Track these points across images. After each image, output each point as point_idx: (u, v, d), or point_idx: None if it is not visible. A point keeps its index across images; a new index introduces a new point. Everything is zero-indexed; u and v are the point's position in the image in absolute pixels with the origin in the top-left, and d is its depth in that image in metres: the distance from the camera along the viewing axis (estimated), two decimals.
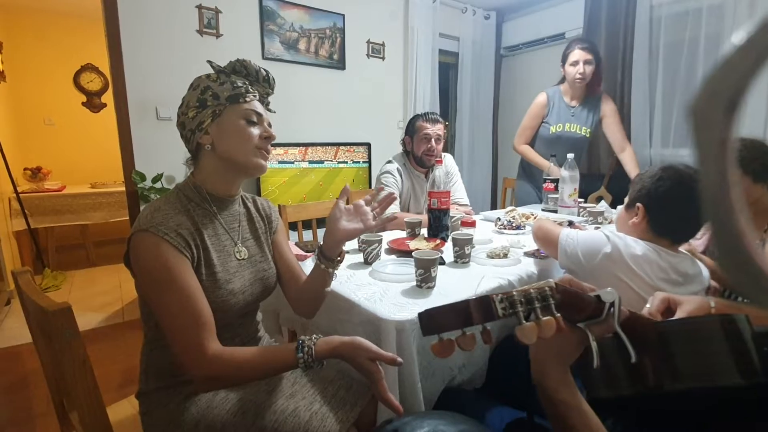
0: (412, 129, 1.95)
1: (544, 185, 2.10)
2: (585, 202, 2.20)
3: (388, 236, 1.58)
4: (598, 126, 2.34)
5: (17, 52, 3.74)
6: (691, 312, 0.68)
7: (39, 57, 3.90)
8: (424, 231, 1.59)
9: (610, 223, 1.79)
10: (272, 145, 0.93)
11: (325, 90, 3.03)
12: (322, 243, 0.94)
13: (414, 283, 1.09)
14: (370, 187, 3.06)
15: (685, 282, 1.02)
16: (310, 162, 2.86)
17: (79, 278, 3.30)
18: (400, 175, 1.95)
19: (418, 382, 0.90)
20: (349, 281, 1.13)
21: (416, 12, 3.31)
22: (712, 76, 0.19)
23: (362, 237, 1.29)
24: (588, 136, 2.31)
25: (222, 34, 2.56)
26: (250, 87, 0.87)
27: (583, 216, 1.89)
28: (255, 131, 0.86)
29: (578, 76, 2.17)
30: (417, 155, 1.94)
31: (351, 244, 1.44)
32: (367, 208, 0.95)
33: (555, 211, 2.00)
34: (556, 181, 2.04)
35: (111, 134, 2.60)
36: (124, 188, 2.45)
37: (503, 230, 1.68)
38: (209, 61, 0.90)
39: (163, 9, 2.35)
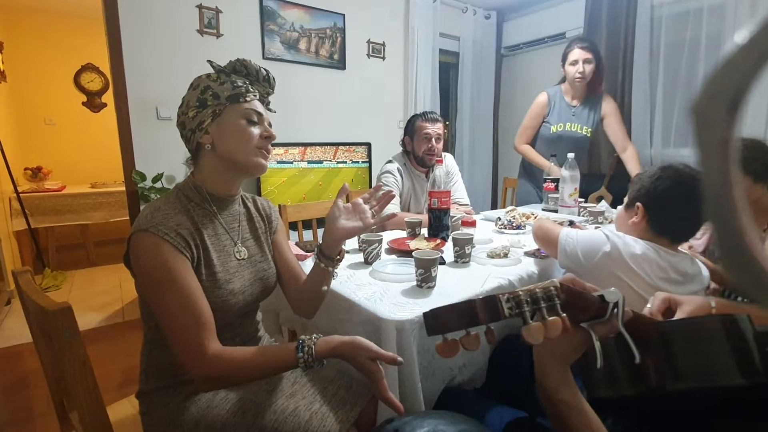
0: (411, 129, 1.95)
1: (545, 185, 2.10)
2: (585, 201, 2.20)
3: (388, 236, 1.58)
4: (599, 125, 2.34)
5: (18, 51, 3.74)
6: (692, 312, 0.68)
7: (39, 57, 3.90)
8: (424, 231, 1.59)
9: (610, 222, 1.79)
10: (272, 145, 0.93)
11: (325, 90, 3.03)
12: (321, 242, 0.94)
13: (414, 282, 1.09)
14: (370, 187, 3.06)
15: (684, 281, 1.02)
16: (309, 162, 2.86)
17: (79, 278, 3.30)
18: (401, 175, 1.95)
19: (419, 382, 0.90)
20: (350, 281, 1.12)
21: (417, 12, 3.31)
22: (714, 75, 0.19)
23: (362, 237, 1.29)
24: (589, 135, 2.31)
25: (222, 34, 2.56)
26: (250, 87, 0.87)
27: (583, 216, 1.89)
28: (255, 131, 0.86)
29: (578, 75, 2.16)
30: (418, 155, 1.94)
31: (351, 244, 1.44)
32: (366, 207, 0.95)
33: (555, 211, 2.00)
34: (556, 180, 2.04)
35: (111, 134, 2.60)
36: (124, 188, 2.46)
37: (503, 230, 1.68)
38: (209, 61, 0.90)
39: (163, 9, 2.35)
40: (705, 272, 1.06)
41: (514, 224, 1.70)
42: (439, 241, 1.43)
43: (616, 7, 2.88)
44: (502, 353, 1.09)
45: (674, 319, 0.67)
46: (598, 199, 2.42)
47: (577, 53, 2.16)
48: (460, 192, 2.07)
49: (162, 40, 2.36)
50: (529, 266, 1.26)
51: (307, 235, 2.31)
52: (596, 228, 1.28)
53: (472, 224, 1.50)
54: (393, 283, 1.10)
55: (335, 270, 0.96)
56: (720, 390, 0.47)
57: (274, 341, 1.10)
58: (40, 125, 3.99)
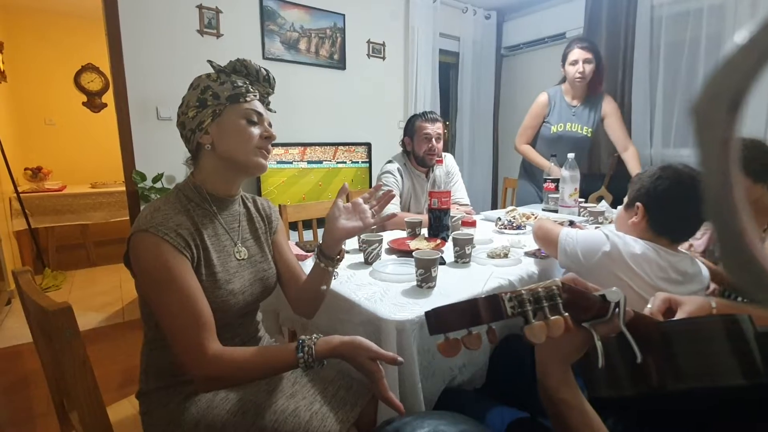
0: (411, 129, 1.95)
1: (545, 185, 2.10)
2: (585, 201, 2.20)
3: (388, 236, 1.58)
4: (600, 126, 2.34)
5: (18, 52, 3.74)
6: (692, 312, 0.68)
7: (40, 57, 3.90)
8: (424, 231, 1.59)
9: (610, 222, 1.79)
10: (272, 145, 0.93)
11: (325, 90, 3.03)
12: (321, 242, 0.94)
13: (414, 283, 1.09)
14: (370, 187, 3.06)
15: (684, 281, 1.02)
16: (309, 162, 2.86)
17: (79, 278, 3.30)
18: (401, 175, 1.95)
19: (419, 382, 0.90)
20: (350, 281, 1.12)
21: (417, 12, 3.31)
22: (714, 75, 0.19)
23: (363, 237, 1.29)
24: (589, 135, 2.31)
25: (222, 34, 2.56)
26: (250, 87, 0.87)
27: (583, 216, 1.89)
28: (255, 131, 0.86)
29: (578, 75, 2.16)
30: (419, 155, 1.93)
31: (351, 244, 1.44)
32: (366, 206, 0.95)
33: (555, 211, 2.00)
34: (556, 180, 2.04)
35: (111, 134, 2.60)
36: (124, 188, 2.46)
37: (504, 230, 1.68)
38: (209, 61, 0.90)
39: (163, 9, 2.35)
40: (705, 272, 1.06)
41: (514, 224, 1.70)
42: (439, 241, 1.43)
43: (616, 7, 2.88)
44: (502, 353, 1.09)
45: (675, 319, 0.67)
46: (598, 199, 2.41)
47: (576, 53, 2.16)
48: (460, 192, 2.07)
49: (162, 41, 2.36)
50: (530, 266, 1.25)
51: (307, 235, 2.31)
52: (596, 228, 1.28)
53: (473, 224, 1.50)
54: (393, 283, 1.10)
55: (335, 270, 0.96)
56: (721, 390, 0.47)
57: (275, 341, 1.10)
58: (40, 125, 3.99)
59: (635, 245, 1.02)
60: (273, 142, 0.90)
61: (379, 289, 1.06)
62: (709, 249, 1.31)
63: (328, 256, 0.93)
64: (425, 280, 1.06)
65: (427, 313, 0.47)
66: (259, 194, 2.61)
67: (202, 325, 0.75)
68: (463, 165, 3.82)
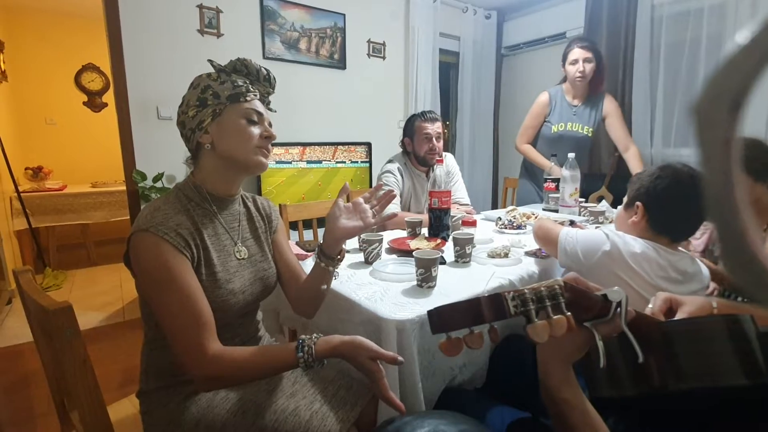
0: (411, 130, 1.94)
1: (545, 185, 2.10)
2: (586, 201, 2.20)
3: (388, 236, 1.58)
4: (600, 125, 2.34)
5: (19, 51, 3.74)
6: (693, 312, 0.68)
7: (40, 57, 3.91)
8: (424, 230, 1.59)
9: (610, 222, 1.79)
10: (273, 145, 0.92)
11: (325, 90, 3.03)
12: (321, 241, 0.94)
13: (415, 282, 1.09)
14: (371, 186, 3.06)
15: (684, 280, 1.02)
16: (308, 162, 2.86)
17: (79, 277, 3.30)
18: (401, 175, 1.95)
19: (419, 382, 0.90)
20: (350, 281, 1.12)
21: (417, 11, 3.31)
22: (715, 75, 0.19)
23: (363, 236, 1.29)
24: (590, 135, 2.31)
25: (223, 34, 2.56)
26: (250, 86, 0.87)
27: (583, 215, 1.88)
28: (255, 131, 0.86)
29: (578, 74, 2.16)
30: (419, 155, 1.93)
31: (352, 244, 1.44)
32: (367, 206, 0.95)
33: (556, 211, 2.00)
34: (557, 180, 2.04)
35: (112, 134, 2.61)
36: (124, 188, 2.46)
37: (504, 230, 1.68)
38: (210, 60, 0.90)
39: (164, 9, 2.35)
40: (705, 271, 1.06)
41: (514, 224, 1.70)
42: (439, 240, 1.43)
43: (616, 7, 2.88)
44: (502, 353, 1.09)
45: (677, 319, 0.67)
46: (599, 199, 2.41)
47: (577, 53, 2.16)
48: (460, 192, 2.07)
49: (162, 40, 2.36)
50: (530, 266, 1.25)
51: (308, 234, 2.31)
52: (596, 228, 1.28)
53: (473, 224, 1.50)
54: (393, 283, 1.10)
55: (336, 269, 0.96)
56: (722, 390, 0.47)
57: (275, 341, 1.10)
58: (41, 125, 4.00)
59: (635, 244, 1.02)
60: (273, 141, 0.90)
61: (380, 288, 1.06)
62: (708, 248, 1.31)
63: (329, 256, 0.93)
64: (425, 280, 1.06)
65: (429, 312, 0.47)
66: (260, 194, 2.61)
67: (202, 325, 0.75)
68: (463, 165, 3.82)
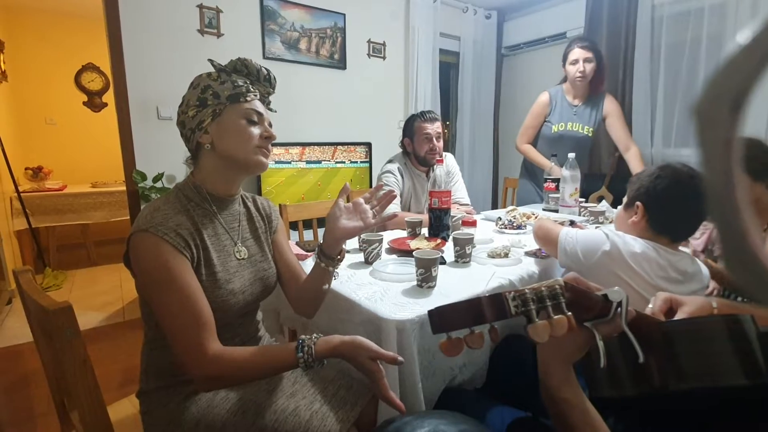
0: (410, 130, 1.94)
1: (545, 185, 2.10)
2: (586, 201, 2.20)
3: (388, 236, 1.58)
4: (601, 125, 2.34)
5: (19, 51, 3.74)
6: (693, 312, 0.68)
7: (40, 57, 3.91)
8: (424, 230, 1.59)
9: (610, 222, 1.79)
10: (273, 145, 0.92)
11: (325, 90, 3.03)
12: (321, 242, 0.94)
13: (415, 282, 1.09)
14: (370, 187, 3.06)
15: (684, 280, 1.02)
16: (308, 162, 2.86)
17: (79, 277, 3.30)
18: (401, 175, 1.95)
19: (419, 382, 0.90)
20: (350, 281, 1.12)
21: (417, 12, 3.31)
22: (716, 75, 0.19)
23: (363, 236, 1.29)
24: (590, 135, 2.31)
25: (223, 34, 2.56)
26: (250, 86, 0.87)
27: (584, 215, 1.88)
28: (255, 131, 0.86)
29: (578, 74, 2.16)
30: (420, 155, 1.93)
31: (352, 244, 1.44)
32: (367, 206, 0.95)
33: (556, 211, 2.00)
34: (557, 180, 2.04)
35: (112, 134, 2.60)
36: (124, 188, 2.46)
37: (504, 230, 1.68)
38: (210, 60, 0.90)
39: (164, 9, 2.35)
40: (705, 271, 1.06)
41: (514, 224, 1.70)
42: (439, 240, 1.43)
43: (616, 7, 2.88)
44: (502, 353, 1.09)
45: (677, 319, 0.67)
46: (599, 199, 2.41)
47: (577, 52, 2.16)
48: (460, 192, 2.07)
49: (163, 40, 2.36)
50: (530, 266, 1.25)
51: (308, 234, 2.31)
52: (596, 228, 1.28)
53: (473, 224, 1.50)
54: (393, 283, 1.10)
55: (336, 270, 0.96)
56: (723, 390, 0.47)
57: (275, 341, 1.10)
58: (41, 125, 4.00)
59: (635, 244, 1.02)
60: (273, 141, 0.90)
61: (380, 288, 1.06)
62: (708, 248, 1.31)
63: (329, 256, 0.93)
64: (425, 280, 1.06)
65: (430, 312, 0.47)
66: (260, 194, 2.61)
67: (202, 325, 0.75)
68: (463, 165, 3.82)
